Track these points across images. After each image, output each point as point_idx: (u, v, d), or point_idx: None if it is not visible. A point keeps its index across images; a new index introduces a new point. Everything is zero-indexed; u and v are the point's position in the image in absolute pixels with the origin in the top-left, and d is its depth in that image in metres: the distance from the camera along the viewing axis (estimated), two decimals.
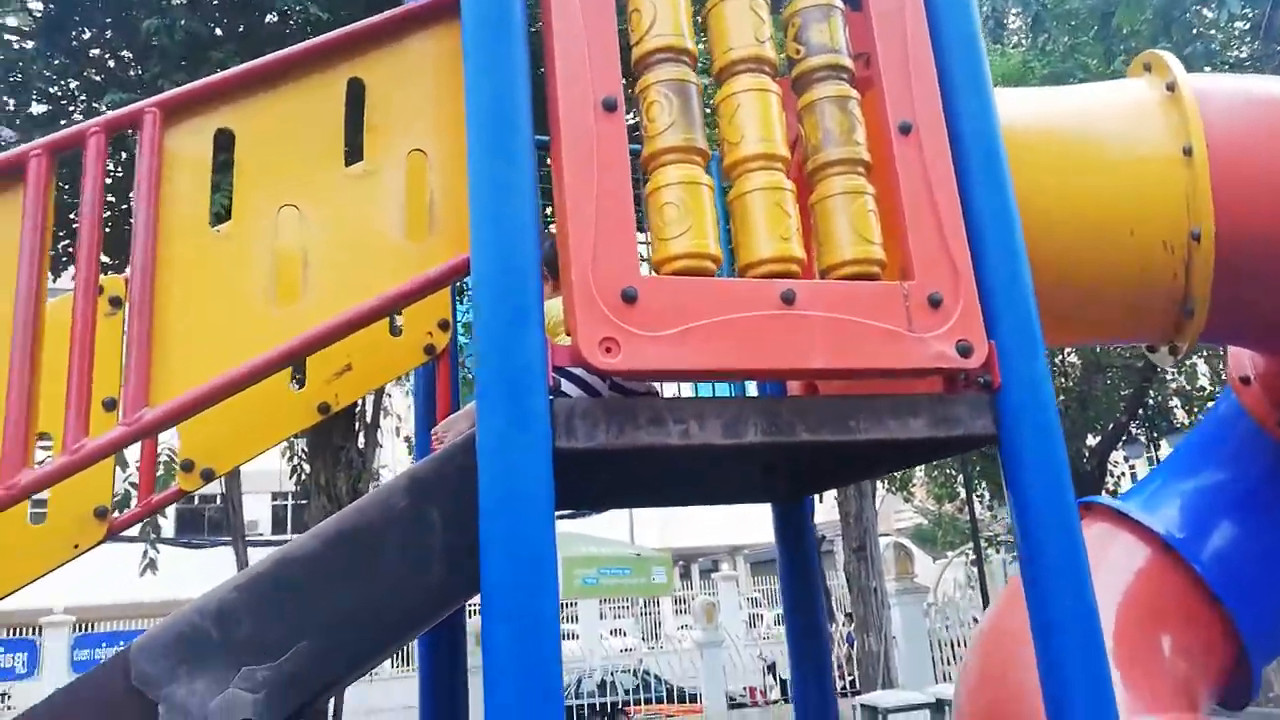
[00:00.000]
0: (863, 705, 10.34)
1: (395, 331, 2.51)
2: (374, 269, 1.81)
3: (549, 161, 1.81)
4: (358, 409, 9.66)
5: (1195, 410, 18.89)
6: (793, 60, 1.99)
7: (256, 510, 25.77)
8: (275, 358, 1.68)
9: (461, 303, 2.79)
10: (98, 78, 7.80)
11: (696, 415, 1.76)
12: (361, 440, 9.51)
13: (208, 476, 2.26)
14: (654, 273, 1.80)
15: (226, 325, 1.72)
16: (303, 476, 10.34)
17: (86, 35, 7.67)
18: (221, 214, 1.77)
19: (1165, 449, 17.91)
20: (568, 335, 1.73)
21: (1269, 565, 3.01)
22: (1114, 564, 3.25)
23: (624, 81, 1.81)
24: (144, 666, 1.60)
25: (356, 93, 1.87)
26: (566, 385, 2.14)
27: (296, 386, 2.37)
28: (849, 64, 1.96)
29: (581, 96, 1.76)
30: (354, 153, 1.88)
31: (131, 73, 7.63)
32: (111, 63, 7.91)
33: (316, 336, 1.71)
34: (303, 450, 10.27)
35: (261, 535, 25.03)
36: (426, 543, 1.68)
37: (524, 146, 1.70)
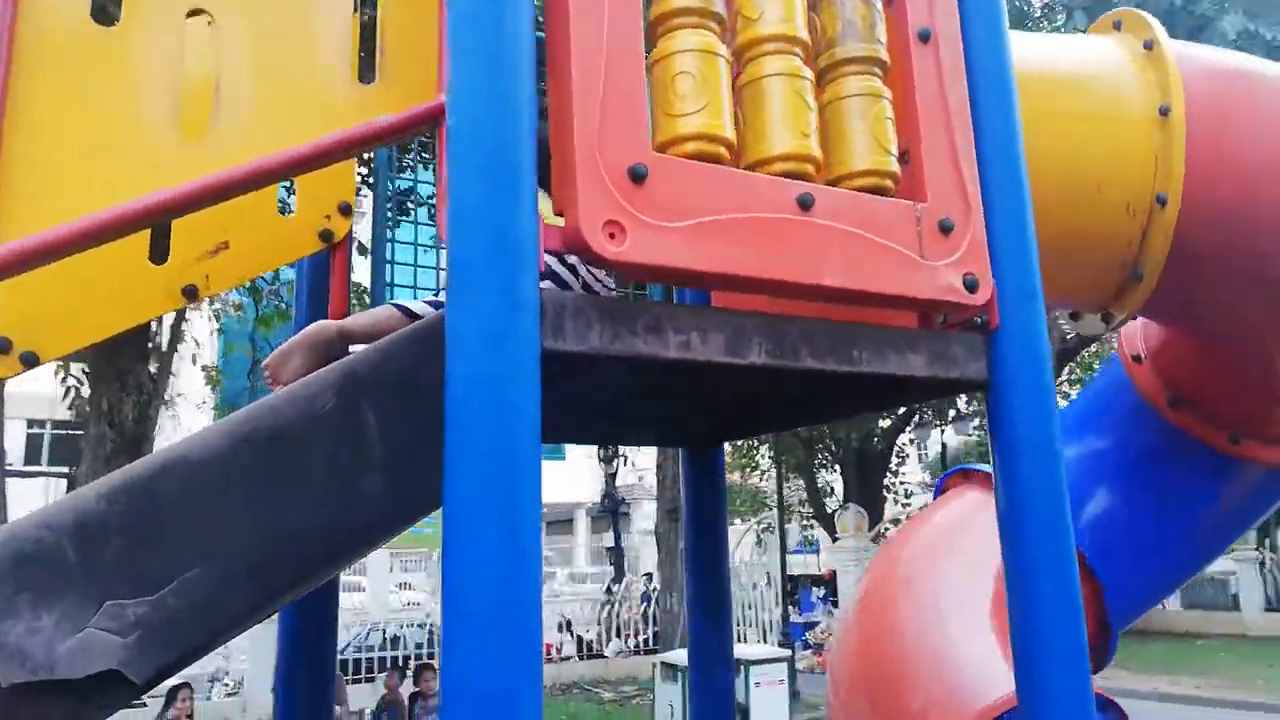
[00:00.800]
0: (663, 663, 10.46)
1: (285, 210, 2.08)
2: (309, 107, 1.43)
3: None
4: (152, 330, 8.66)
5: (975, 401, 20.46)
6: None
7: (7, 438, 22.88)
8: (177, 199, 1.27)
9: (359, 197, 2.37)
10: None
11: (698, 327, 1.49)
12: (154, 365, 8.52)
13: (29, 362, 1.77)
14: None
15: (109, 149, 1.29)
16: (78, 400, 9.16)
17: None
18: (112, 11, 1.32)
19: (950, 433, 19.34)
20: (558, 215, 1.42)
21: (1138, 538, 3.11)
22: (993, 529, 3.27)
23: None
24: None
25: None
26: (445, 293, 1.80)
27: (158, 262, 1.90)
28: None
29: None
30: None
31: None
32: None
33: (232, 180, 1.31)
34: (82, 370, 9.09)
35: (12, 466, 22.29)
36: (360, 450, 1.33)
37: None
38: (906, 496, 23.63)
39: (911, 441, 22.52)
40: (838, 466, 22.22)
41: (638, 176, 1.39)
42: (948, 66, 1.80)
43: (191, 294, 1.91)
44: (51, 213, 1.25)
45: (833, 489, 23.69)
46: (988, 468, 3.57)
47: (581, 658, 15.99)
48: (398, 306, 1.66)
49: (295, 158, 1.35)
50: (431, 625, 15.89)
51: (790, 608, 16.17)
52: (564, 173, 1.38)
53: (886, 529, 19.59)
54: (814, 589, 18.08)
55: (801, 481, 23.22)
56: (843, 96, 1.71)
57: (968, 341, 1.78)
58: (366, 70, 1.57)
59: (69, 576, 1.14)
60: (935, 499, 3.73)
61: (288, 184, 2.07)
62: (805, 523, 24.46)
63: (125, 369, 8.16)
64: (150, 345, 8.50)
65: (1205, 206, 2.24)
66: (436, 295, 1.70)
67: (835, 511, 19.47)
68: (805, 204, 1.54)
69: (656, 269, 1.42)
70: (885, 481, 21.96)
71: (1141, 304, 2.36)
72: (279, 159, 1.33)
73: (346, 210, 2.10)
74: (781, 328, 1.57)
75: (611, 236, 1.36)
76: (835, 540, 18.53)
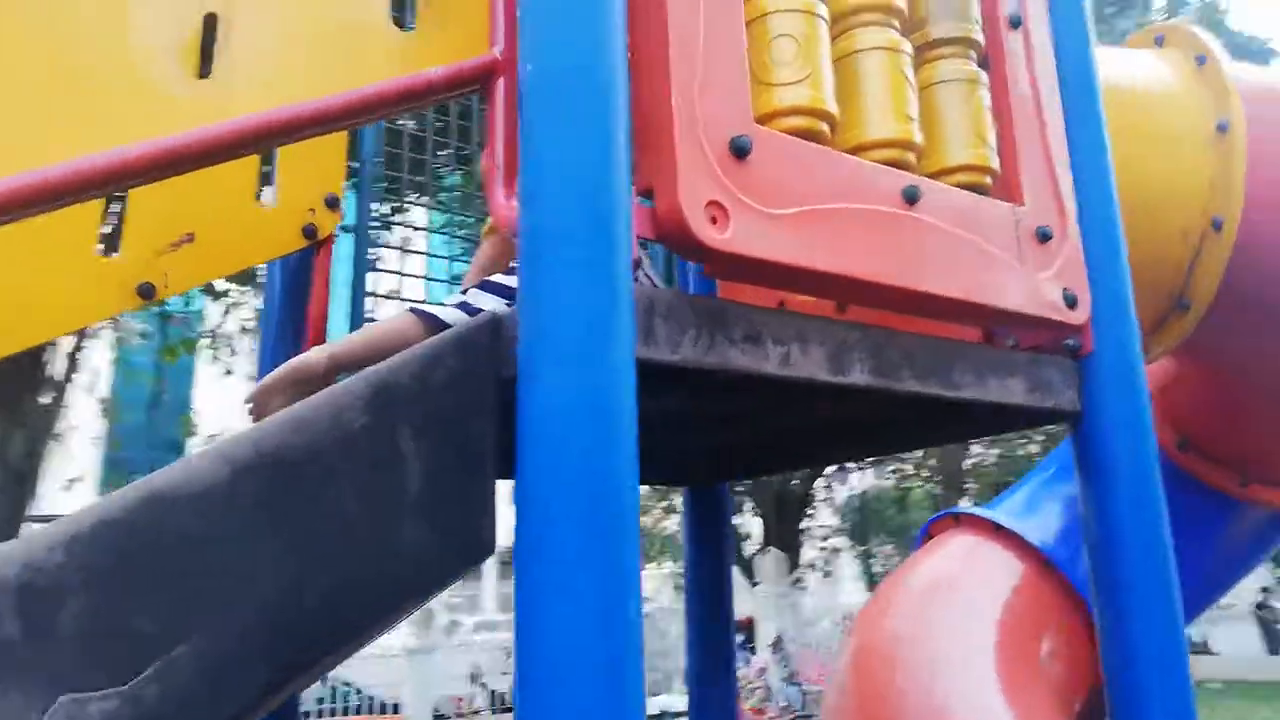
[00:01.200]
0: None
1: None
2: (337, 50, 1.14)
3: None
4: (45, 358, 7.95)
5: None
6: None
7: None
8: (177, 150, 0.96)
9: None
10: None
11: (799, 338, 1.25)
12: (47, 396, 7.82)
13: None
14: None
15: (82, 78, 0.98)
16: None
17: None
18: None
19: (868, 475, 19.48)
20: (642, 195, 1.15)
21: None
22: (990, 577, 3.10)
23: None
24: None
25: None
26: (476, 294, 1.44)
27: (109, 254, 1.56)
28: None
29: None
30: None
31: None
32: None
33: (250, 131, 1.01)
34: None
35: None
36: (397, 483, 1.04)
37: None
38: (824, 540, 23.63)
39: (827, 486, 22.61)
40: (755, 509, 22.15)
41: (741, 151, 1.15)
42: (1039, 55, 1.62)
43: (147, 293, 1.57)
44: (20, 146, 0.94)
45: (749, 533, 23.58)
46: (977, 510, 3.41)
47: (494, 711, 15.28)
48: (419, 314, 1.37)
49: (327, 110, 1.06)
50: (331, 679, 15.00)
51: None
52: (655, 141, 1.13)
53: (805, 573, 19.49)
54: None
55: None
56: (936, 81, 1.51)
57: (1061, 366, 1.58)
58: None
59: (9, 658, 0.82)
60: (920, 544, 3.54)
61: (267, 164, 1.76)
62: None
63: (15, 399, 7.46)
64: (44, 374, 7.80)
65: (1255, 235, 2.11)
66: (464, 295, 1.41)
67: (754, 555, 19.32)
68: (911, 198, 1.32)
69: (760, 264, 1.17)
70: (802, 525, 21.95)
71: (1184, 337, 2.22)
72: (306, 110, 1.04)
73: (334, 203, 1.80)
74: (882, 343, 1.34)
75: (713, 221, 1.11)
76: (755, 585, 18.34)
